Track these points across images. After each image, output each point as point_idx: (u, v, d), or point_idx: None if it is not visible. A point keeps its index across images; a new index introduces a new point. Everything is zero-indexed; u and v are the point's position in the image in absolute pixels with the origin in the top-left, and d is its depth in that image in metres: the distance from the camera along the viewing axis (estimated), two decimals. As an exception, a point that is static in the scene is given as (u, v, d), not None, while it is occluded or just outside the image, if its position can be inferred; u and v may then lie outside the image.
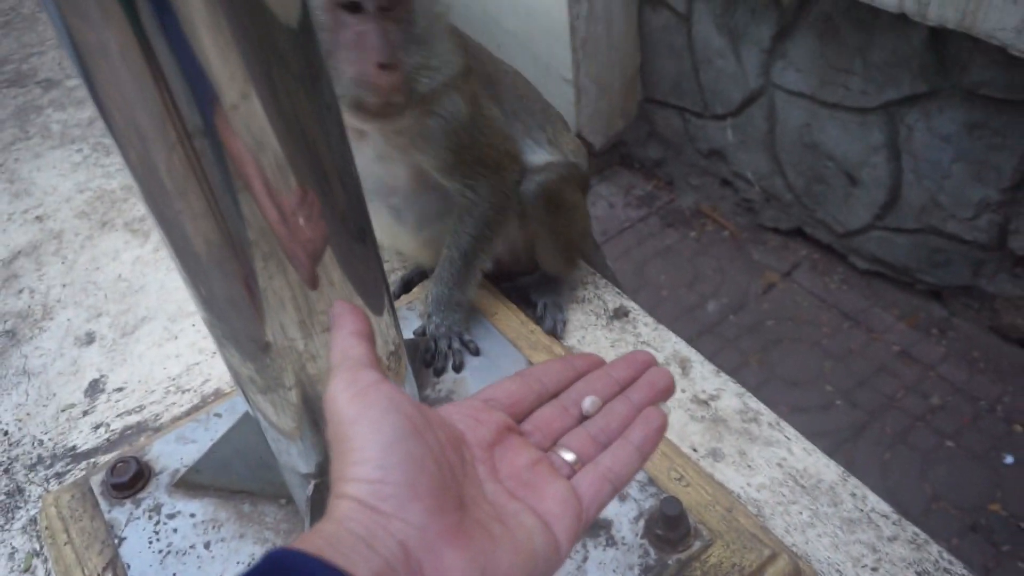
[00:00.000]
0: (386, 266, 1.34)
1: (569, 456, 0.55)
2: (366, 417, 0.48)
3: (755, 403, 1.10)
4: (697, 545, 0.82)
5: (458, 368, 1.05)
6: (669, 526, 0.81)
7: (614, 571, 0.81)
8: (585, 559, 0.82)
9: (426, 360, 1.06)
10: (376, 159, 1.04)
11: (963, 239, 2.14)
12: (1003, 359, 2.23)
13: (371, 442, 0.47)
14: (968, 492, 1.95)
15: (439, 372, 1.05)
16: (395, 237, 1.19)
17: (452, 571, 0.45)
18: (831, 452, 2.08)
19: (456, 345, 1.08)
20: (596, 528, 0.84)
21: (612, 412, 0.59)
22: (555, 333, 1.18)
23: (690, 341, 1.19)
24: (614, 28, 2.83)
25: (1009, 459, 1.99)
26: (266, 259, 0.54)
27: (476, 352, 1.07)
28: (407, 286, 1.28)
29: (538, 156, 1.16)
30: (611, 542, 0.83)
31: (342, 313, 0.56)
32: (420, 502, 0.45)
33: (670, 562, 0.81)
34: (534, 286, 1.24)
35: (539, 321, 1.18)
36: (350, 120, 0.93)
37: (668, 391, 0.61)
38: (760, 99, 2.51)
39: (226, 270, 0.55)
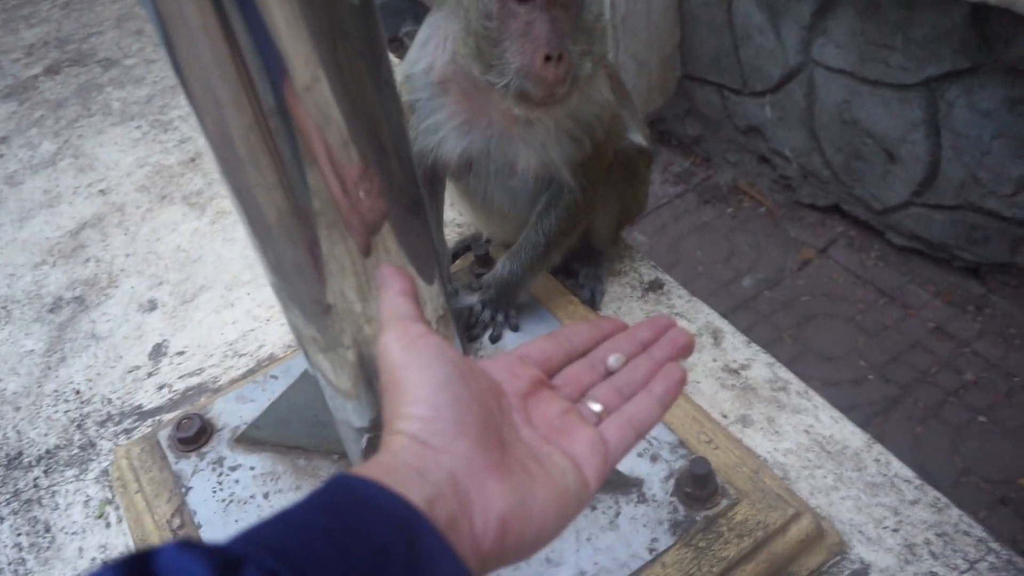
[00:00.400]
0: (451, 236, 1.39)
1: (596, 407, 0.60)
2: (417, 363, 0.52)
3: (784, 373, 1.13)
4: (724, 503, 0.86)
5: (495, 339, 1.10)
6: (697, 485, 0.86)
7: (644, 525, 0.85)
8: (618, 514, 0.87)
9: (468, 324, 1.11)
10: (509, 142, 1.04)
11: (1002, 216, 2.13)
12: (1039, 336, 2.22)
13: (422, 385, 0.51)
14: (998, 466, 1.96)
15: (474, 338, 1.10)
16: (493, 218, 1.19)
17: (495, 499, 0.49)
18: (862, 425, 2.10)
19: (500, 319, 1.12)
20: (628, 486, 0.89)
21: (636, 367, 0.63)
22: (593, 303, 1.21)
23: (724, 316, 1.22)
24: (654, 5, 2.83)
25: (1042, 435, 1.99)
26: (330, 228, 0.59)
27: (516, 328, 1.11)
28: (454, 257, 1.32)
29: (632, 137, 1.19)
30: (642, 499, 0.88)
31: (389, 274, 0.60)
32: (466, 438, 0.50)
33: (698, 518, 0.85)
34: (576, 257, 1.26)
35: (578, 290, 1.22)
36: (509, 106, 0.94)
37: (688, 348, 0.65)
38: (800, 76, 2.50)
39: (293, 237, 0.60)
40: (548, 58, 0.88)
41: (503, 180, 1.09)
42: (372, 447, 0.79)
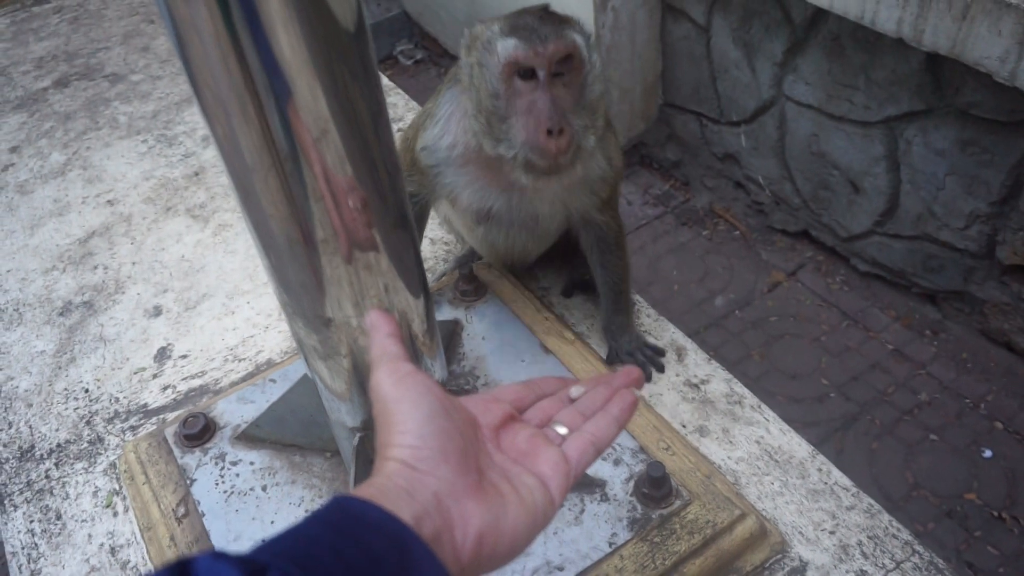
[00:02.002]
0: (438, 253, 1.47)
1: (562, 429, 0.67)
2: (407, 398, 0.60)
3: (740, 388, 1.22)
4: (677, 503, 0.95)
5: (661, 368, 1.21)
6: (654, 486, 0.94)
7: (606, 521, 0.93)
8: (582, 511, 0.95)
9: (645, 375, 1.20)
10: (530, 199, 1.11)
11: (955, 247, 2.23)
12: (990, 360, 2.32)
13: (411, 417, 0.59)
14: (947, 482, 2.06)
15: (649, 378, 1.21)
16: (514, 251, 1.25)
17: (473, 517, 0.57)
18: (823, 440, 2.20)
19: (648, 353, 1.24)
20: (592, 486, 0.97)
21: (595, 394, 0.71)
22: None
23: (697, 333, 1.31)
24: (637, 37, 2.93)
25: (988, 453, 2.09)
26: (332, 255, 0.67)
27: (662, 353, 1.24)
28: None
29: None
30: (604, 498, 0.96)
31: (378, 319, 0.68)
32: (449, 464, 0.58)
33: (653, 516, 0.93)
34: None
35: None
36: (518, 177, 1.00)
37: (640, 381, 0.73)
38: (772, 108, 2.60)
39: (301, 261, 0.68)
40: (550, 132, 0.94)
41: (526, 228, 1.17)
42: (363, 445, 0.87)
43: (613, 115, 3.21)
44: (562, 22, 0.97)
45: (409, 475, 0.56)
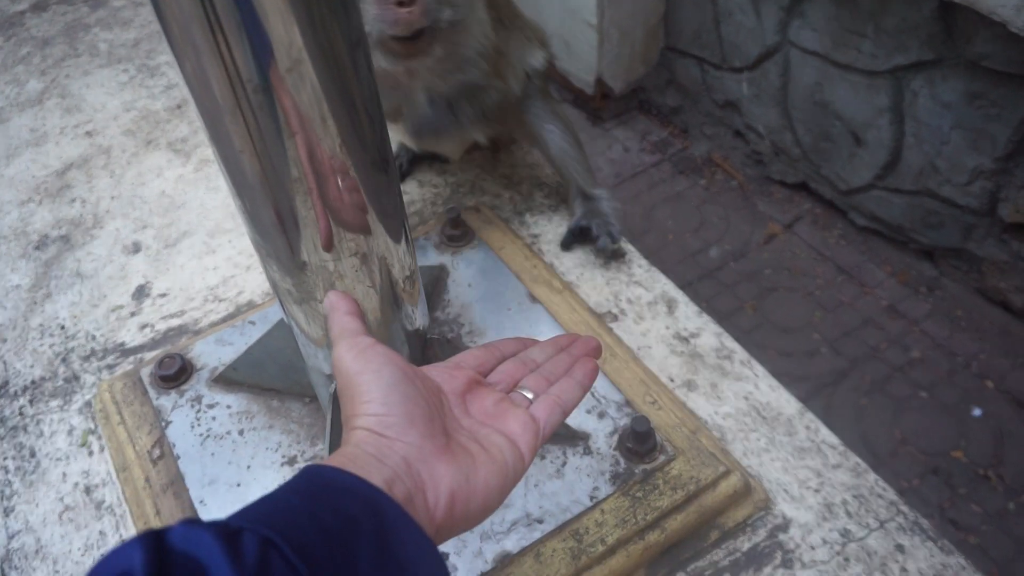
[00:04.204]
0: (427, 196, 1.44)
1: (528, 394, 0.68)
2: (369, 368, 0.60)
3: (730, 343, 1.20)
4: (661, 459, 0.94)
5: (614, 239, 1.27)
6: (638, 440, 0.93)
7: (588, 475, 0.92)
8: (564, 464, 0.94)
9: (597, 246, 1.29)
10: (415, 92, 1.12)
11: (956, 203, 2.20)
12: (984, 319, 2.32)
13: (374, 386, 0.59)
14: (934, 439, 2.07)
15: (602, 249, 1.28)
16: (442, 144, 1.31)
17: (443, 477, 0.57)
18: (812, 395, 2.21)
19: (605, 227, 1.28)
20: (575, 439, 0.96)
21: (558, 361, 0.73)
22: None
23: (690, 284, 1.29)
24: (640, -24, 2.85)
25: (977, 412, 2.09)
26: (306, 194, 0.64)
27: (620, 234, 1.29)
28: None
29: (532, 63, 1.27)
30: (587, 451, 0.95)
31: (336, 299, 0.70)
32: (415, 428, 0.58)
33: (637, 471, 0.92)
34: (582, 217, 1.32)
35: (595, 240, 1.29)
36: (378, 61, 0.99)
37: (597, 350, 0.76)
38: (776, 55, 2.54)
39: (273, 200, 0.65)
40: (401, 3, 0.92)
41: (429, 117, 1.16)
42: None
43: (612, 59, 3.14)
44: None
45: (377, 441, 0.57)
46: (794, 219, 2.79)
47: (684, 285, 2.55)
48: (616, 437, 0.96)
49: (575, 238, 1.33)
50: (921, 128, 2.15)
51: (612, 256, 1.32)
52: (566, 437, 0.96)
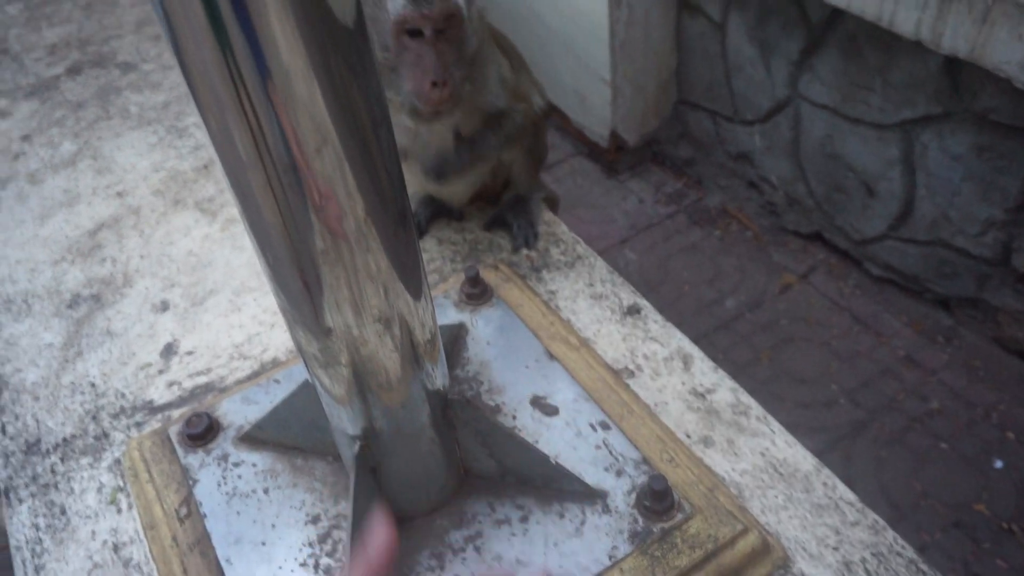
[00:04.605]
0: (446, 253, 1.47)
1: None
2: None
3: (746, 398, 1.21)
4: (679, 517, 0.94)
5: (531, 247, 1.38)
6: (656, 499, 0.94)
7: (606, 534, 0.93)
8: (583, 523, 0.95)
9: (514, 246, 1.38)
10: (434, 134, 1.25)
11: (970, 253, 2.21)
12: (1003, 369, 2.31)
13: None
14: (956, 492, 2.05)
15: (518, 248, 1.38)
16: (442, 188, 1.41)
17: None
18: (831, 446, 2.20)
19: (530, 231, 1.40)
20: (594, 497, 0.97)
21: None
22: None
23: (706, 335, 1.31)
24: (652, 33, 2.91)
25: (999, 463, 2.08)
26: (332, 265, 0.67)
27: (537, 238, 1.40)
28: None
29: (534, 100, 1.40)
30: (606, 510, 0.96)
31: (371, 545, 0.67)
32: None
33: (655, 529, 0.93)
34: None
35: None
36: (403, 120, 1.13)
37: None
38: (786, 108, 2.58)
39: (300, 269, 0.68)
40: (435, 84, 1.07)
41: (442, 155, 1.29)
42: (363, 453, 0.87)
43: (625, 112, 3.20)
44: None
45: None
46: (809, 269, 2.80)
47: (700, 336, 2.56)
48: (634, 495, 0.97)
49: (494, 224, 1.47)
50: (932, 180, 2.17)
51: (627, 312, 1.34)
52: (584, 495, 0.97)
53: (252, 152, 0.60)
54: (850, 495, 1.08)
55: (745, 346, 2.55)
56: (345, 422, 0.85)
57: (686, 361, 1.28)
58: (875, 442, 2.18)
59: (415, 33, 1.06)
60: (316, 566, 0.93)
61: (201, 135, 1.95)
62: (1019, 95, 1.72)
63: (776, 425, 1.18)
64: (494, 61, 1.25)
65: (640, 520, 0.94)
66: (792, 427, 1.17)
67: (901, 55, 2.01)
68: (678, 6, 2.87)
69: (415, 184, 1.41)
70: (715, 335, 2.59)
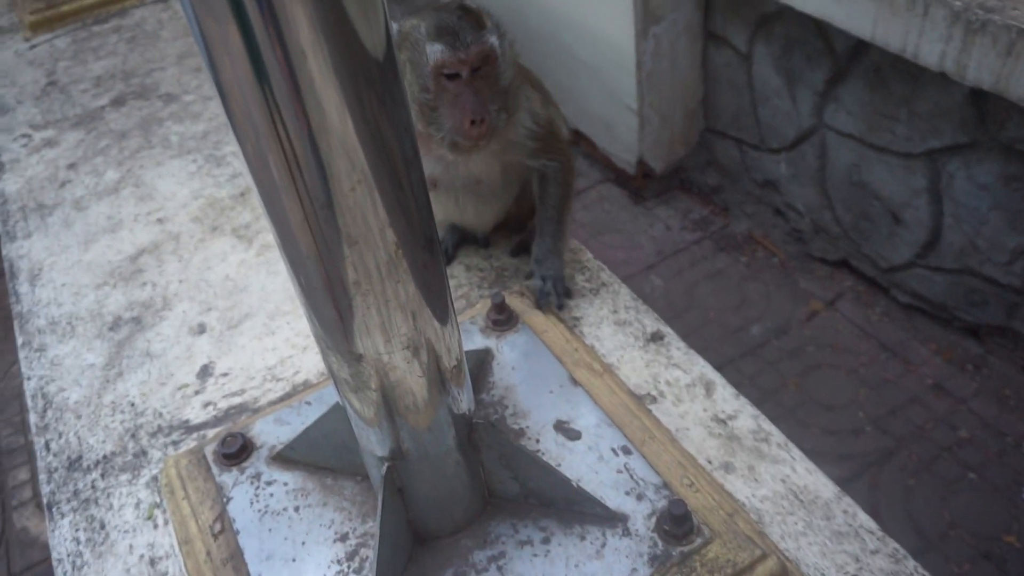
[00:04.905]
0: (473, 280, 1.50)
1: None
2: None
3: (767, 425, 1.22)
4: (698, 541, 0.96)
5: (560, 306, 1.35)
6: (675, 523, 0.95)
7: (626, 556, 0.95)
8: (604, 545, 0.97)
9: (538, 303, 1.35)
10: (467, 165, 1.29)
11: (999, 282, 2.20)
12: (1033, 398, 2.29)
13: None
14: (985, 522, 2.02)
15: (541, 307, 1.34)
16: (467, 214, 1.44)
17: None
18: (857, 474, 2.19)
19: (560, 288, 1.37)
20: (615, 520, 0.99)
21: None
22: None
23: (732, 361, 1.33)
24: (678, 64, 2.95)
25: (1028, 494, 2.05)
26: (364, 296, 0.70)
27: (569, 295, 1.38)
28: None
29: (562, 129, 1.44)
30: (626, 533, 0.98)
31: None
32: None
33: (674, 553, 0.95)
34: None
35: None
36: (444, 154, 1.20)
37: None
38: (812, 137, 2.60)
39: (334, 300, 0.71)
40: (473, 122, 1.13)
41: (470, 190, 1.35)
42: (390, 474, 0.90)
43: (652, 141, 3.23)
44: (479, 24, 1.13)
45: None
46: (836, 296, 2.79)
47: (726, 363, 2.57)
48: (654, 519, 0.98)
49: (520, 250, 1.50)
50: (959, 209, 2.17)
51: (651, 339, 1.36)
52: (605, 518, 0.99)
53: (289, 186, 0.64)
54: (871, 523, 1.08)
55: (772, 373, 2.55)
56: (374, 444, 0.88)
57: (708, 388, 1.29)
58: (903, 470, 2.16)
59: (453, 75, 1.12)
60: (344, 583, 0.96)
61: (239, 163, 2.01)
62: (1045, 125, 1.73)
63: (797, 452, 1.19)
64: (525, 95, 1.29)
65: (660, 544, 0.96)
66: (819, 454, 1.18)
67: (926, 85, 2.03)
68: (704, 37, 2.90)
69: (442, 212, 1.44)
70: (741, 361, 2.59)
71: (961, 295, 2.35)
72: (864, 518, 1.09)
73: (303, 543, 1.01)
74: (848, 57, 2.28)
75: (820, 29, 2.32)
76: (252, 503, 1.06)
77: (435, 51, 1.11)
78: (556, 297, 1.36)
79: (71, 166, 2.12)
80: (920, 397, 2.37)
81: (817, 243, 2.87)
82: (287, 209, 0.65)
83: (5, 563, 2.23)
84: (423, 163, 1.21)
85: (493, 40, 1.14)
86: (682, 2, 2.79)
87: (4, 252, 1.84)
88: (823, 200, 2.71)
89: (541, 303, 1.35)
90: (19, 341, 1.57)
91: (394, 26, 1.18)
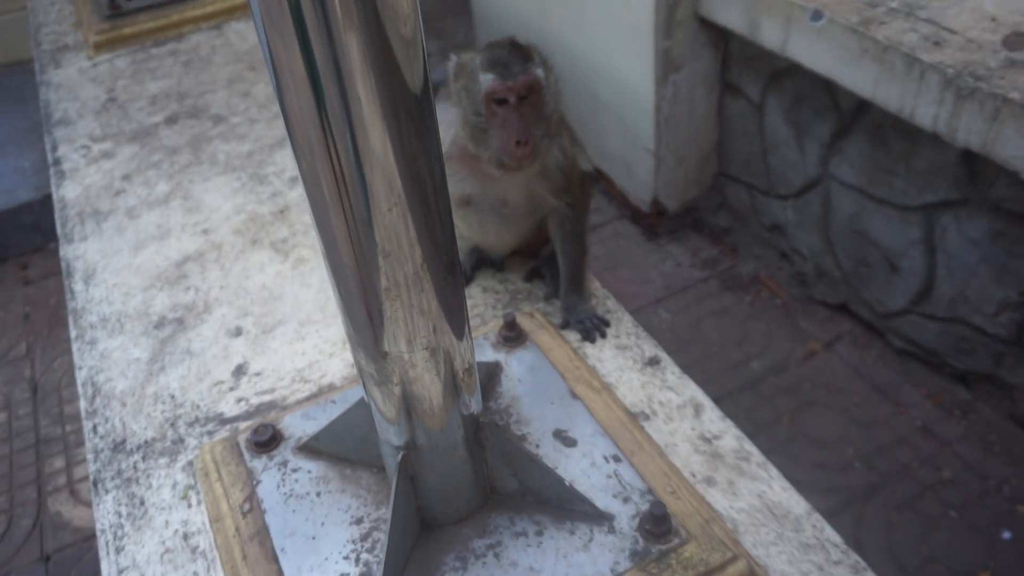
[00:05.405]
0: (488, 301, 1.61)
1: None
2: None
3: (749, 445, 1.31)
4: (676, 541, 1.05)
5: (603, 335, 1.48)
6: (655, 523, 1.04)
7: (610, 551, 1.04)
8: (591, 540, 1.06)
9: (584, 337, 1.48)
10: (499, 184, 1.40)
11: (987, 332, 2.27)
12: (1017, 445, 2.34)
13: None
14: (963, 559, 2.08)
15: (593, 340, 1.47)
16: (489, 235, 1.53)
17: None
18: (843, 507, 2.25)
19: (596, 322, 1.49)
20: (602, 519, 1.08)
21: None
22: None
23: (731, 394, 1.42)
24: (695, 110, 3.06)
25: (1007, 535, 2.11)
26: (392, 301, 0.81)
27: (608, 324, 1.49)
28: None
29: (583, 165, 1.53)
30: (611, 530, 1.07)
31: None
32: None
33: (653, 550, 1.04)
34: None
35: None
36: (492, 171, 1.32)
37: None
38: (818, 186, 2.70)
39: (366, 304, 0.82)
40: (518, 142, 1.24)
41: (497, 212, 1.45)
42: (405, 462, 1.00)
43: (667, 181, 3.34)
44: (527, 57, 1.26)
45: None
46: (834, 338, 2.87)
47: (725, 395, 2.65)
48: (637, 520, 1.07)
49: (533, 276, 1.62)
50: (951, 260, 2.25)
51: (648, 363, 1.46)
52: (594, 516, 1.08)
53: (337, 203, 0.74)
54: (836, 537, 1.17)
55: (768, 407, 2.62)
56: (391, 434, 0.98)
57: (697, 409, 1.38)
58: (887, 506, 2.22)
59: (502, 101, 1.25)
60: (357, 560, 1.06)
61: (279, 183, 2.13)
62: (1029, 186, 1.82)
63: (774, 471, 1.27)
64: (558, 131, 1.42)
65: (641, 541, 1.05)
66: (808, 486, 1.26)
67: (922, 144, 2.12)
68: (720, 87, 3.02)
69: (467, 230, 1.55)
70: (740, 395, 2.67)
71: (952, 343, 2.42)
72: (831, 532, 1.17)
73: (322, 524, 1.10)
74: (852, 114, 2.39)
75: (827, 87, 2.43)
76: (279, 487, 1.16)
77: (487, 79, 1.24)
78: (598, 331, 1.49)
79: (126, 177, 2.25)
80: (908, 438, 2.44)
81: (819, 287, 2.95)
82: (333, 223, 0.76)
83: (39, 544, 2.34)
84: (464, 182, 1.38)
85: (539, 72, 1.26)
86: (701, 53, 2.91)
87: (62, 253, 1.96)
88: (826, 246, 2.80)
89: (591, 340, 1.48)
90: (72, 334, 1.69)
91: (453, 58, 1.33)
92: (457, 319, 0.91)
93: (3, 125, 4.06)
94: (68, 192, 2.19)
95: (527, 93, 1.25)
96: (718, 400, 1.42)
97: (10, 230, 3.51)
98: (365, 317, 0.84)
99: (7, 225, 3.50)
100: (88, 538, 2.33)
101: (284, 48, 0.67)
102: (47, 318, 3.22)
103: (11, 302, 3.32)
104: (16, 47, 4.54)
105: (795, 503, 1.22)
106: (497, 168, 1.30)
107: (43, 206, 3.53)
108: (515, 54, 1.26)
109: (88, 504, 2.44)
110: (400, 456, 0.99)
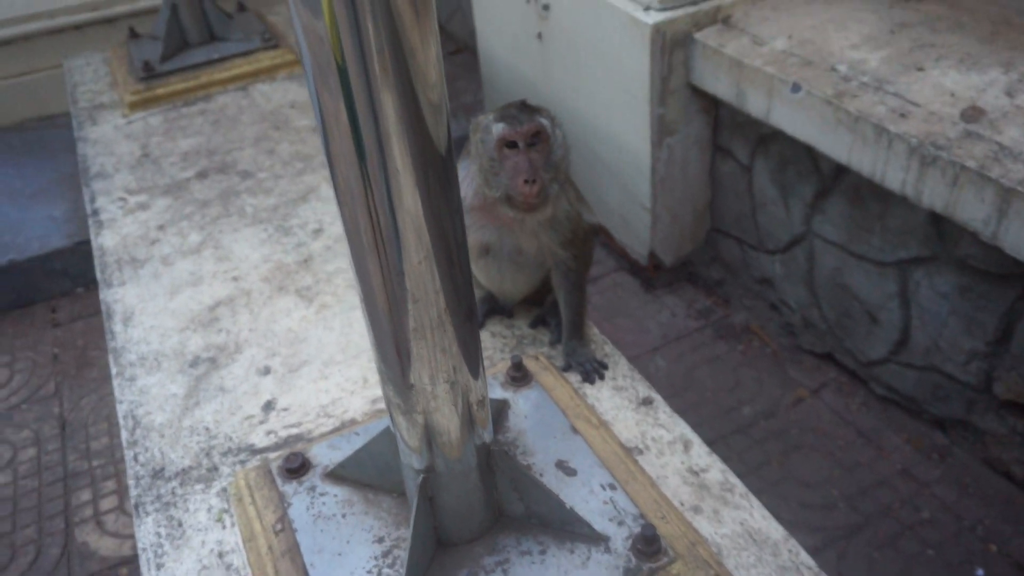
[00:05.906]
0: (497, 345, 1.72)
1: None
2: None
3: (733, 478, 1.41)
4: (664, 560, 1.15)
5: (602, 377, 1.59)
6: (646, 543, 1.14)
7: (606, 568, 1.14)
8: (588, 558, 1.16)
9: (584, 379, 1.60)
10: (514, 233, 1.53)
11: (958, 379, 2.38)
12: (990, 487, 2.43)
13: None
14: (940, 595, 2.15)
15: (592, 382, 1.59)
16: (504, 282, 1.66)
17: None
18: (827, 545, 2.34)
19: (595, 366, 1.61)
20: (599, 539, 1.18)
21: None
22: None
23: (723, 437, 1.52)
24: (689, 170, 3.21)
25: (980, 573, 2.18)
26: (418, 341, 0.93)
27: (606, 367, 1.61)
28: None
29: (588, 219, 1.66)
30: (607, 550, 1.17)
31: None
32: None
33: (644, 568, 1.14)
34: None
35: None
36: (505, 211, 1.43)
37: None
38: (803, 242, 2.83)
39: (396, 343, 0.94)
40: (526, 181, 1.37)
41: (513, 260, 1.58)
42: (424, 485, 1.10)
43: (663, 236, 3.48)
44: (534, 111, 1.41)
45: None
46: (820, 385, 2.97)
47: (718, 438, 2.74)
48: (630, 541, 1.17)
49: (538, 323, 1.74)
50: (924, 313, 2.37)
51: (642, 403, 1.57)
52: (591, 537, 1.18)
53: (374, 255, 0.87)
54: (810, 561, 1.26)
55: (758, 450, 2.71)
56: (414, 460, 1.09)
57: (686, 445, 1.49)
58: (868, 544, 2.30)
59: (512, 145, 1.39)
60: (379, 574, 1.15)
61: (303, 235, 2.27)
62: (988, 246, 1.94)
63: (755, 502, 1.37)
64: (569, 181, 1.55)
65: (633, 559, 1.15)
66: (794, 525, 1.36)
67: (895, 205, 2.26)
68: (712, 149, 3.17)
69: (484, 278, 1.67)
70: (731, 438, 2.76)
71: (928, 390, 2.53)
72: (805, 557, 1.27)
73: (348, 542, 1.20)
74: (832, 177, 2.53)
75: (808, 151, 2.58)
76: (308, 508, 1.26)
77: (498, 128, 1.39)
78: (597, 373, 1.61)
79: (160, 227, 2.38)
80: (889, 480, 2.52)
81: (806, 336, 3.06)
82: (371, 273, 0.88)
83: (67, 572, 2.41)
84: (483, 230, 1.53)
85: (544, 121, 1.41)
86: (694, 119, 3.07)
87: (101, 296, 2.08)
88: (811, 298, 2.92)
89: (591, 381, 1.60)
90: (113, 371, 1.80)
91: (473, 120, 1.48)
92: (473, 358, 1.03)
93: (36, 175, 4.22)
94: (107, 240, 2.32)
95: (534, 140, 1.40)
96: (711, 443, 1.52)
97: (41, 275, 3.64)
98: (395, 354, 0.96)
99: (39, 271, 3.63)
100: (114, 566, 2.41)
101: (331, 100, 0.79)
102: (75, 359, 3.33)
103: (40, 343, 3.43)
104: (48, 103, 4.72)
105: (774, 530, 1.32)
106: (509, 206, 1.42)
107: (72, 253, 3.67)
108: (524, 110, 1.42)
109: (114, 535, 2.52)
110: (420, 479, 1.09)
